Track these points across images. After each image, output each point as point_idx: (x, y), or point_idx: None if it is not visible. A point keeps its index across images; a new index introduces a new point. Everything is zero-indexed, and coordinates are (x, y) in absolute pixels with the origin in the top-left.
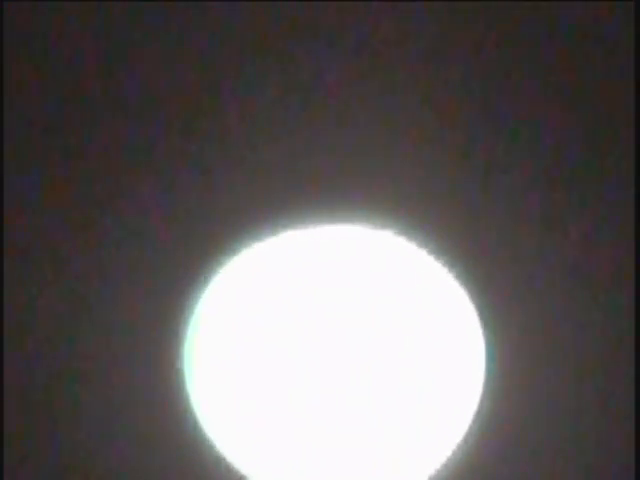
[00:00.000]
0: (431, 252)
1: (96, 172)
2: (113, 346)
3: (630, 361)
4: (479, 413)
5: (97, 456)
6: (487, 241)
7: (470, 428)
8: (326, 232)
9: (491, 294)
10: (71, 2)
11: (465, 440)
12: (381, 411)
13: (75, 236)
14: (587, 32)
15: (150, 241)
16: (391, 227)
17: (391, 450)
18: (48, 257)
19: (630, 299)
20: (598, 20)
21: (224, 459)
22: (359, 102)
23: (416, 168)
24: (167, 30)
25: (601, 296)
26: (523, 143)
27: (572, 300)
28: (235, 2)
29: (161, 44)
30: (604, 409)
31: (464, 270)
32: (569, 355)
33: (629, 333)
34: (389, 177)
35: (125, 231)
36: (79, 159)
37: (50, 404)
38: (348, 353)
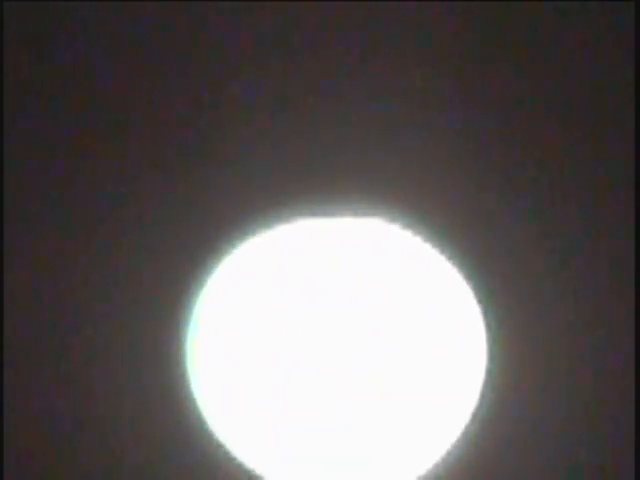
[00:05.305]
0: (435, 245)
1: (97, 169)
2: (114, 344)
3: (630, 360)
4: (478, 411)
5: (99, 457)
6: (491, 236)
7: (467, 427)
8: (327, 225)
9: (494, 289)
10: (71, 2)
11: (463, 438)
12: (379, 407)
13: (75, 234)
14: (587, 32)
15: (150, 237)
16: (395, 220)
17: (386, 447)
18: (48, 254)
19: (631, 299)
20: (598, 20)
21: (235, 459)
22: (362, 94)
23: (420, 162)
24: (166, 29)
25: (603, 295)
26: (526, 139)
27: (574, 298)
28: (236, 3)
29: (160, 43)
30: (604, 408)
31: (468, 264)
32: (570, 354)
33: (629, 333)
34: (392, 170)
35: (125, 227)
36: (79, 156)
37: (51, 404)
38: (349, 347)
